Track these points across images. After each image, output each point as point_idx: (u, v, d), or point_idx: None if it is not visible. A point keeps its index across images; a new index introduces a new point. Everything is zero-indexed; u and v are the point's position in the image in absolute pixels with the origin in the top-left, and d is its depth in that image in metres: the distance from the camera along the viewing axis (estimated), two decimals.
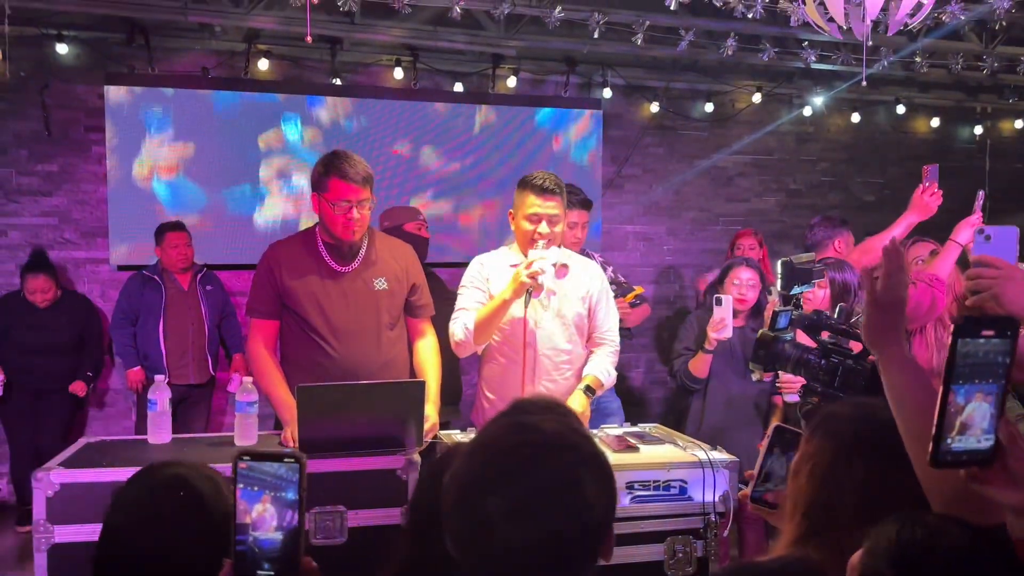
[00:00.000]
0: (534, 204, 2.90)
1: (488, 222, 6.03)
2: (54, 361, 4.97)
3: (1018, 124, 7.29)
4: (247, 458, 1.11)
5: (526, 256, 2.85)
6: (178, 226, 5.03)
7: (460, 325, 2.97)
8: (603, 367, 3.06)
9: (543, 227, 2.89)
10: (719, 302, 3.46)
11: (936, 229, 3.89)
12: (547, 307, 2.99)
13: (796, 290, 2.46)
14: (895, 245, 1.33)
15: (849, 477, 1.34)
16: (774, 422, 1.62)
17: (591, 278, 3.10)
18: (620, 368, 3.97)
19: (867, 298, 1.34)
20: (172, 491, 1.43)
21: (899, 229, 3.69)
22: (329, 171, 2.78)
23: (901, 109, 6.89)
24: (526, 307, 2.88)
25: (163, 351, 4.88)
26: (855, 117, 6.88)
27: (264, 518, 1.12)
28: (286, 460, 1.11)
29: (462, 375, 4.12)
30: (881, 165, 7.14)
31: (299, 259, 2.88)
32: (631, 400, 4.49)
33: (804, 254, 2.55)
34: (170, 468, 1.47)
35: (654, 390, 6.61)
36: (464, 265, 3.19)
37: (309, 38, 2.62)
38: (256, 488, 1.12)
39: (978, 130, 7.34)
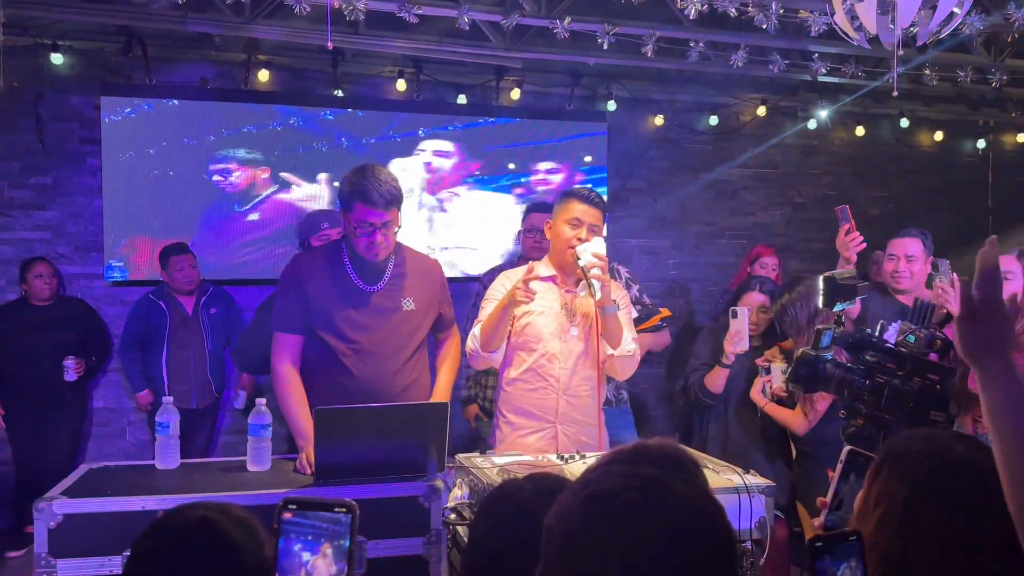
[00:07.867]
0: (577, 210, 2.89)
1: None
2: (59, 368, 4.73)
3: (1020, 138, 7.26)
4: (293, 506, 1.03)
5: (573, 255, 2.80)
6: (181, 248, 4.88)
7: (469, 334, 2.94)
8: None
9: (583, 233, 2.86)
10: (734, 315, 3.39)
11: (939, 244, 3.82)
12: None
13: (839, 307, 2.36)
14: (992, 245, 1.23)
15: (929, 525, 1.24)
16: (847, 447, 1.51)
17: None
18: (627, 384, 3.88)
19: (960, 307, 1.23)
20: (199, 539, 1.26)
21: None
22: (353, 193, 2.67)
23: (905, 122, 6.84)
24: (597, 307, 2.82)
25: (165, 378, 4.76)
26: (860, 130, 6.83)
27: (312, 570, 1.02)
28: (336, 509, 1.03)
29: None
30: (885, 179, 7.08)
31: (325, 275, 2.76)
32: (637, 418, 4.36)
33: (845, 270, 2.46)
34: (195, 511, 1.29)
35: (660, 407, 6.49)
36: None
37: (330, 44, 2.51)
38: (306, 537, 1.02)
39: (981, 144, 7.30)
